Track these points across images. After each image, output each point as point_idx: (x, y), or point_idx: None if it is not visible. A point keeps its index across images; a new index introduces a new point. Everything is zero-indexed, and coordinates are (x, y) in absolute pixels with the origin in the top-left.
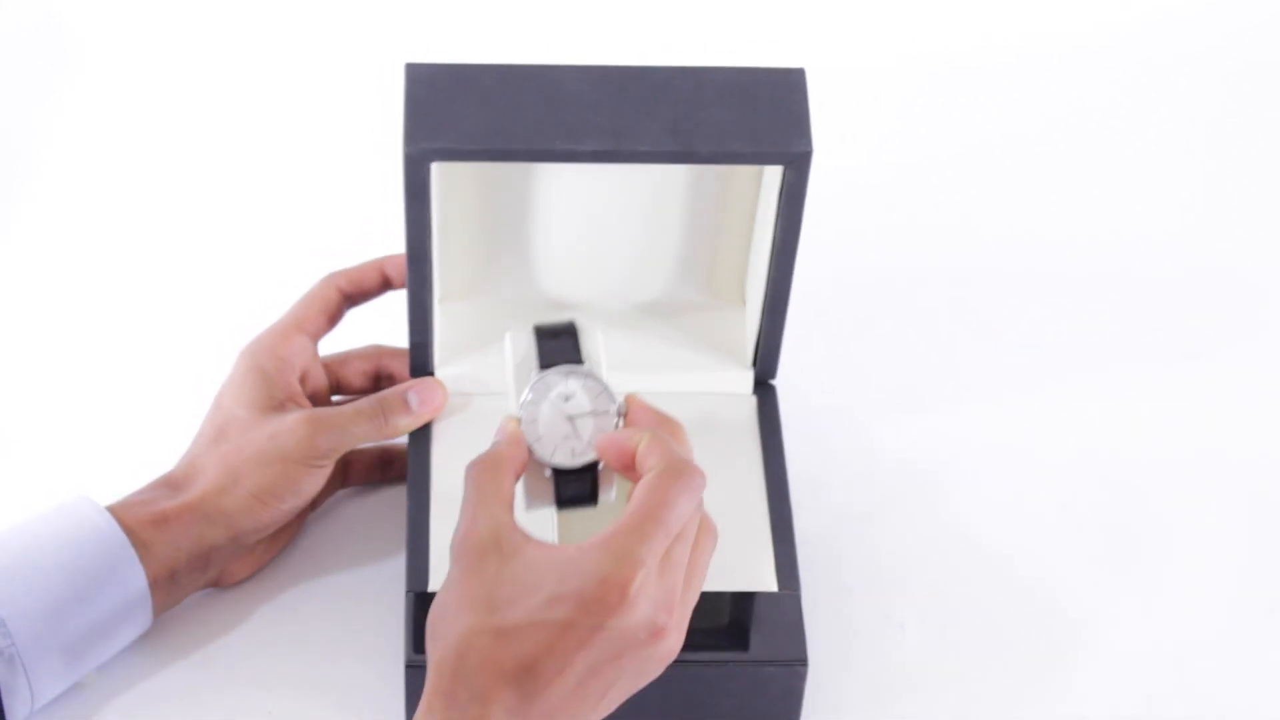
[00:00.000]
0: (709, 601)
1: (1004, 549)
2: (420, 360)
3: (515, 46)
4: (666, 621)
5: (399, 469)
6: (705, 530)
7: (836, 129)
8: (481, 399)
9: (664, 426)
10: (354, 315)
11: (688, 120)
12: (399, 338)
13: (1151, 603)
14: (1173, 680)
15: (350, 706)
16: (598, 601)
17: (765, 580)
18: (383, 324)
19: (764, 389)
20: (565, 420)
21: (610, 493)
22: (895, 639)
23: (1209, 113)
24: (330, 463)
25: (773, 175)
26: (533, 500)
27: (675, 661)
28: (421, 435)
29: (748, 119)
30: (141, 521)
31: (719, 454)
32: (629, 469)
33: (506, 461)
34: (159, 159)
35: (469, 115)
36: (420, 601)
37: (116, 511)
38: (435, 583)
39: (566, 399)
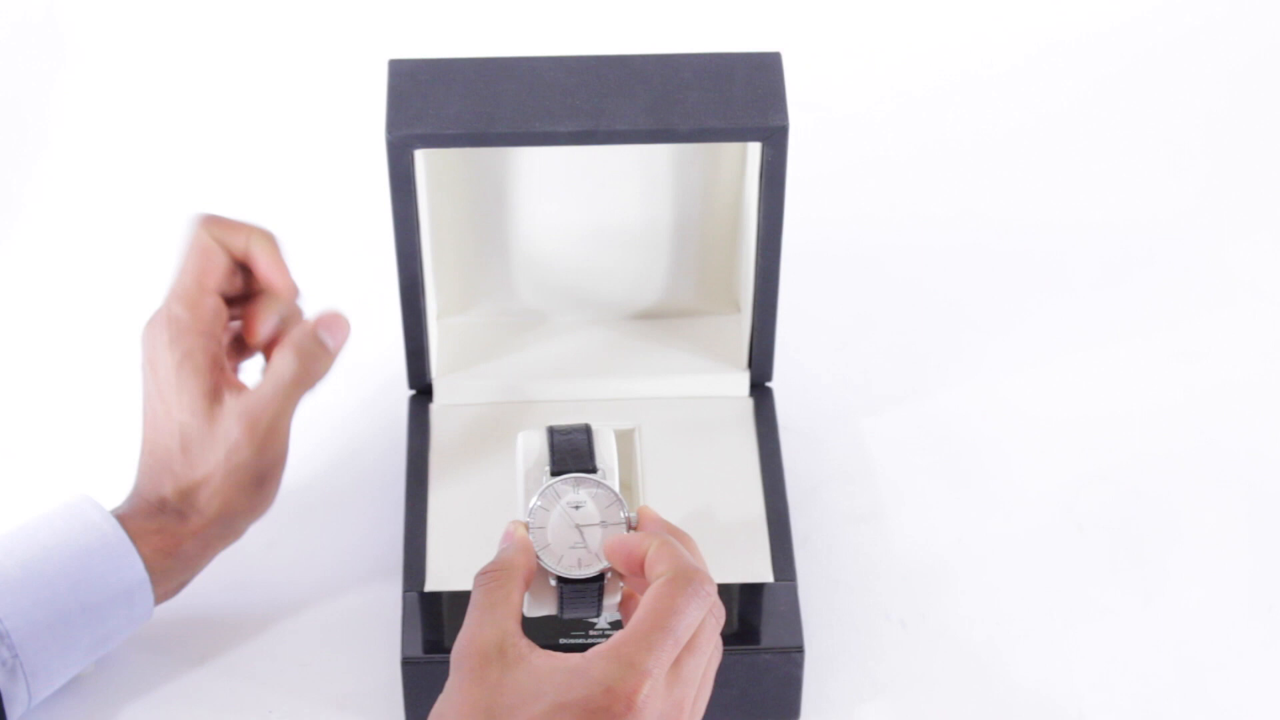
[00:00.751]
0: None
1: (1003, 548)
2: (417, 370)
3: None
4: None
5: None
6: (716, 647)
7: (832, 128)
8: (479, 409)
9: (674, 535)
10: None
11: (665, 101)
12: (394, 346)
13: (1152, 600)
14: (1173, 680)
15: (350, 706)
16: (603, 711)
17: (762, 573)
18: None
19: (760, 391)
20: (574, 529)
21: (615, 601)
22: (894, 635)
23: (1210, 96)
24: (283, 430)
25: (757, 169)
26: (535, 605)
27: None
28: (420, 442)
29: (725, 99)
30: (156, 551)
31: (717, 456)
32: (637, 574)
33: (516, 571)
34: (158, 158)
35: (450, 103)
36: (417, 602)
37: (133, 536)
38: (432, 583)
39: (576, 508)
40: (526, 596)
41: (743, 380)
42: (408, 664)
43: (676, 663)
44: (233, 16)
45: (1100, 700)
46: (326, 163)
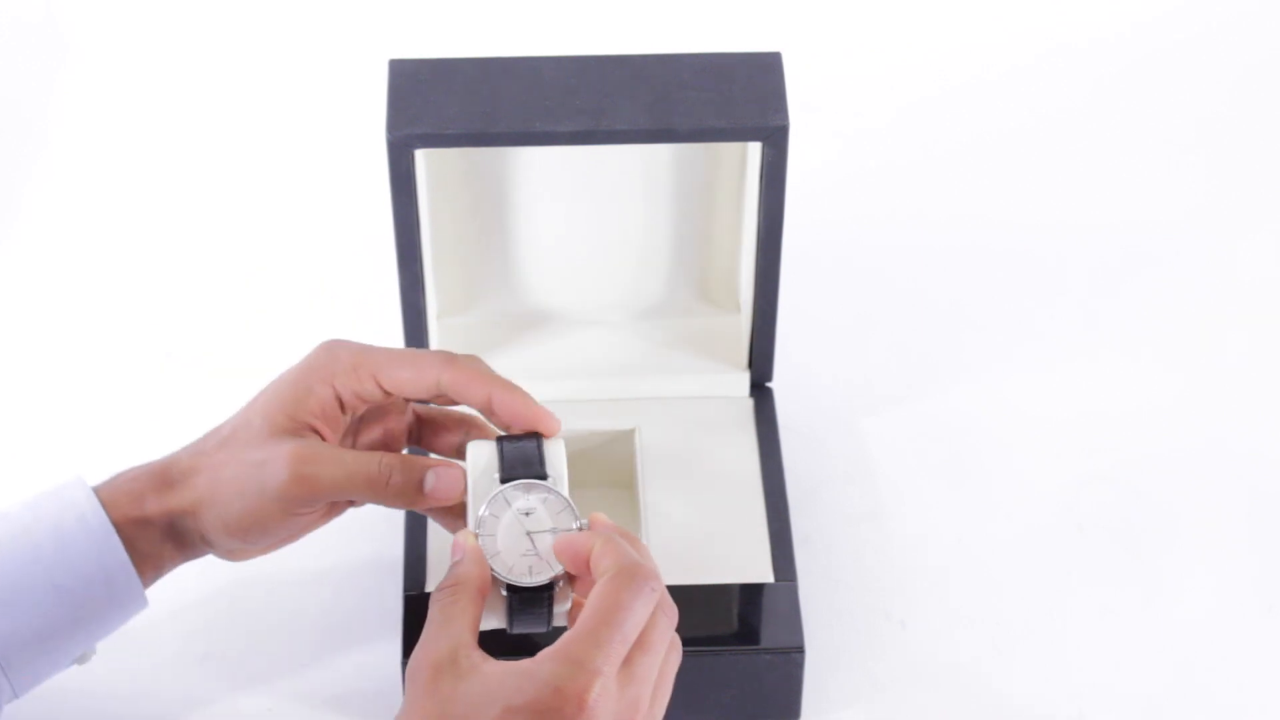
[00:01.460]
0: (708, 594)
1: (1003, 548)
2: None
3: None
4: None
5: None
6: (674, 646)
7: (832, 128)
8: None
9: (623, 537)
10: (344, 320)
11: (666, 101)
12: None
13: (1152, 600)
14: (1173, 680)
15: (350, 706)
16: (554, 712)
17: (762, 573)
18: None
19: (761, 391)
20: (524, 536)
21: (565, 609)
22: (895, 635)
23: (1210, 97)
24: (310, 511)
25: (757, 169)
26: (484, 618)
27: None
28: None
29: (725, 98)
30: (126, 518)
31: (717, 456)
32: (584, 574)
33: (470, 584)
34: (158, 158)
35: (450, 103)
36: (417, 602)
37: (104, 500)
38: (431, 584)
39: (527, 514)
40: None
41: (743, 380)
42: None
43: (629, 661)
44: (233, 16)
45: (1100, 700)
46: (326, 163)
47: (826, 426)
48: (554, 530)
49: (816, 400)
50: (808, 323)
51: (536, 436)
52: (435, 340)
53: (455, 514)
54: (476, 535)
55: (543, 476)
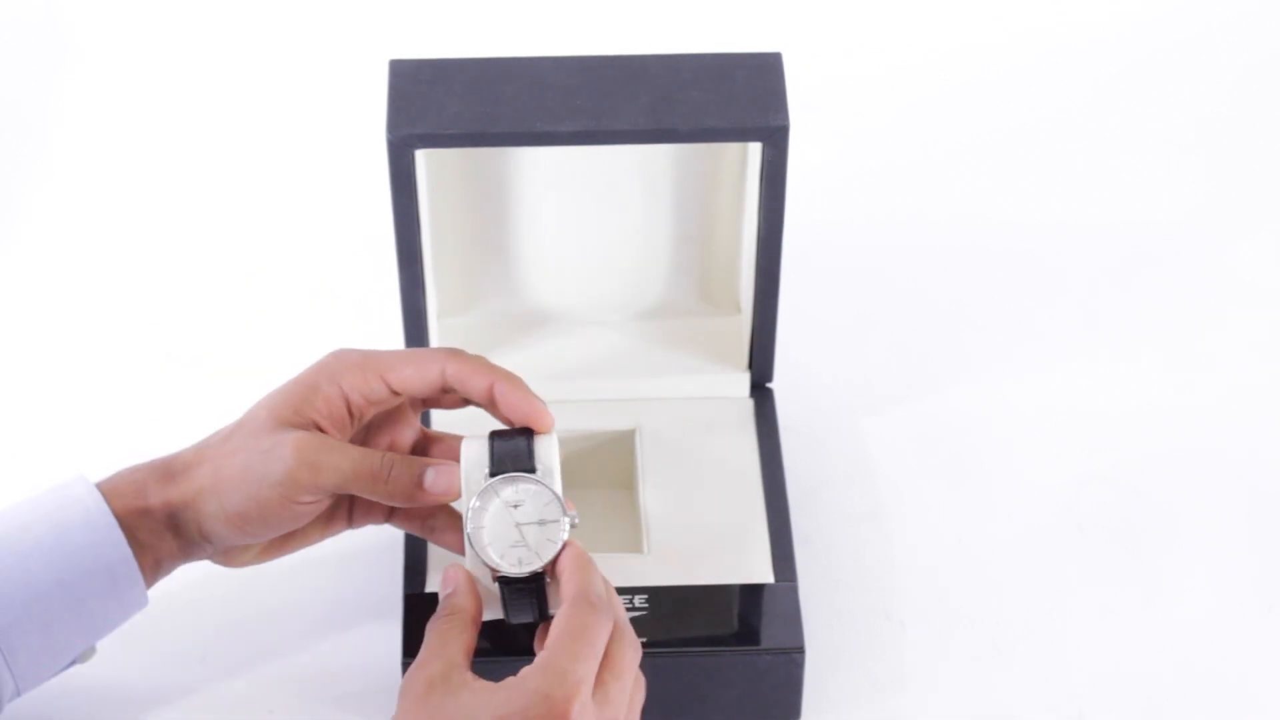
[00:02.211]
0: (708, 595)
1: (1003, 548)
2: None
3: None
4: None
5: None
6: (639, 682)
7: (832, 128)
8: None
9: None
10: (344, 320)
11: (666, 101)
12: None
13: (1152, 600)
14: (1173, 680)
15: (350, 706)
16: (542, 719)
17: (762, 573)
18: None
19: (761, 392)
20: (514, 528)
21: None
22: (895, 635)
23: (1210, 98)
24: (312, 502)
25: (757, 169)
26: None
27: (675, 654)
28: None
29: (725, 98)
30: (128, 509)
31: (717, 456)
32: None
33: (465, 614)
34: (158, 158)
35: (451, 103)
36: (417, 602)
37: (105, 492)
38: (431, 585)
39: (515, 506)
40: None
41: (743, 380)
42: (408, 664)
43: (602, 684)
44: (233, 16)
45: (1100, 700)
46: (326, 163)
47: (826, 426)
48: (541, 522)
49: (816, 400)
50: (808, 323)
51: (528, 432)
52: (435, 341)
53: (449, 529)
54: (470, 539)
55: (531, 470)
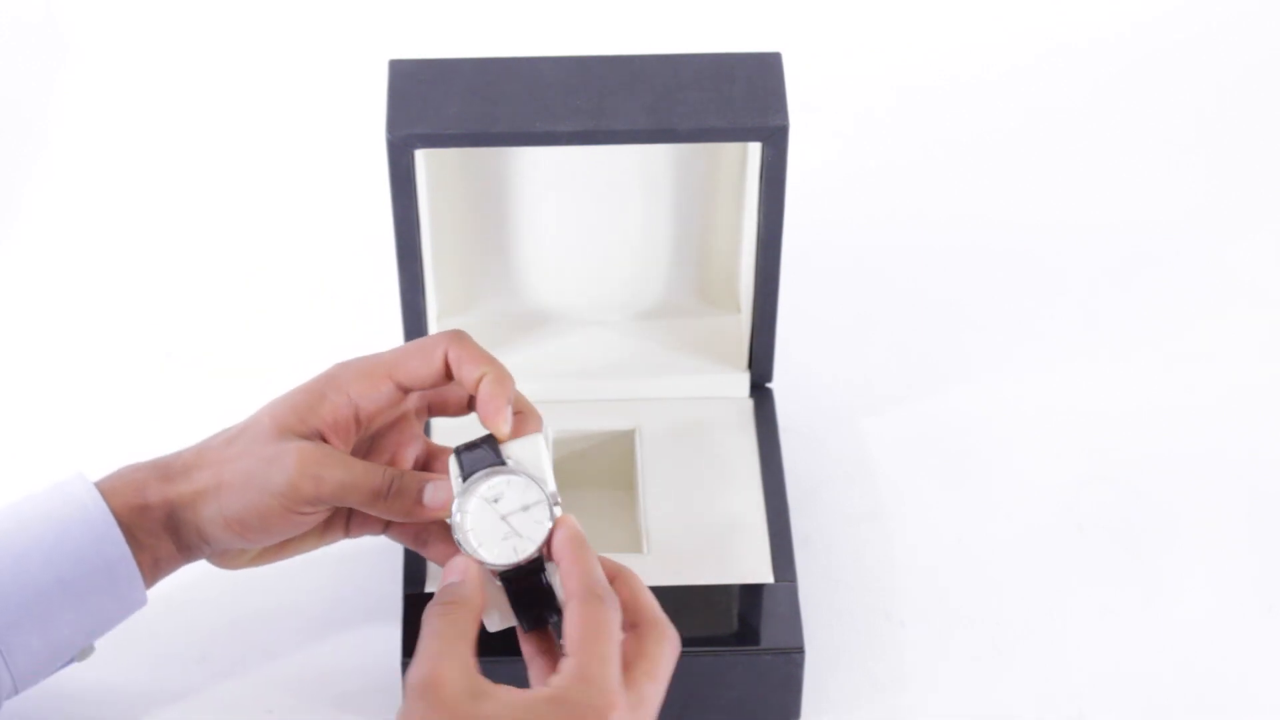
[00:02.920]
0: (708, 595)
1: (1003, 548)
2: None
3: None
4: None
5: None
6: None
7: (832, 128)
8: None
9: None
10: (343, 320)
11: (665, 101)
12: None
13: (1152, 600)
14: (1173, 680)
15: (350, 706)
16: None
17: (762, 573)
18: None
19: (761, 392)
20: (500, 521)
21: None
22: (895, 635)
23: (1210, 97)
24: (311, 513)
25: (757, 169)
26: (489, 617)
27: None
28: None
29: (725, 98)
30: (127, 505)
31: (717, 456)
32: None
33: (472, 605)
34: (158, 158)
35: (450, 103)
36: (417, 602)
37: (104, 490)
38: (431, 584)
39: (495, 501)
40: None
41: (743, 380)
42: (407, 663)
43: (636, 685)
44: (233, 16)
45: (1100, 700)
46: (326, 163)
47: (826, 426)
48: (525, 508)
49: (816, 400)
50: (808, 323)
51: (491, 440)
52: None
53: (441, 540)
54: (471, 558)
55: (499, 463)
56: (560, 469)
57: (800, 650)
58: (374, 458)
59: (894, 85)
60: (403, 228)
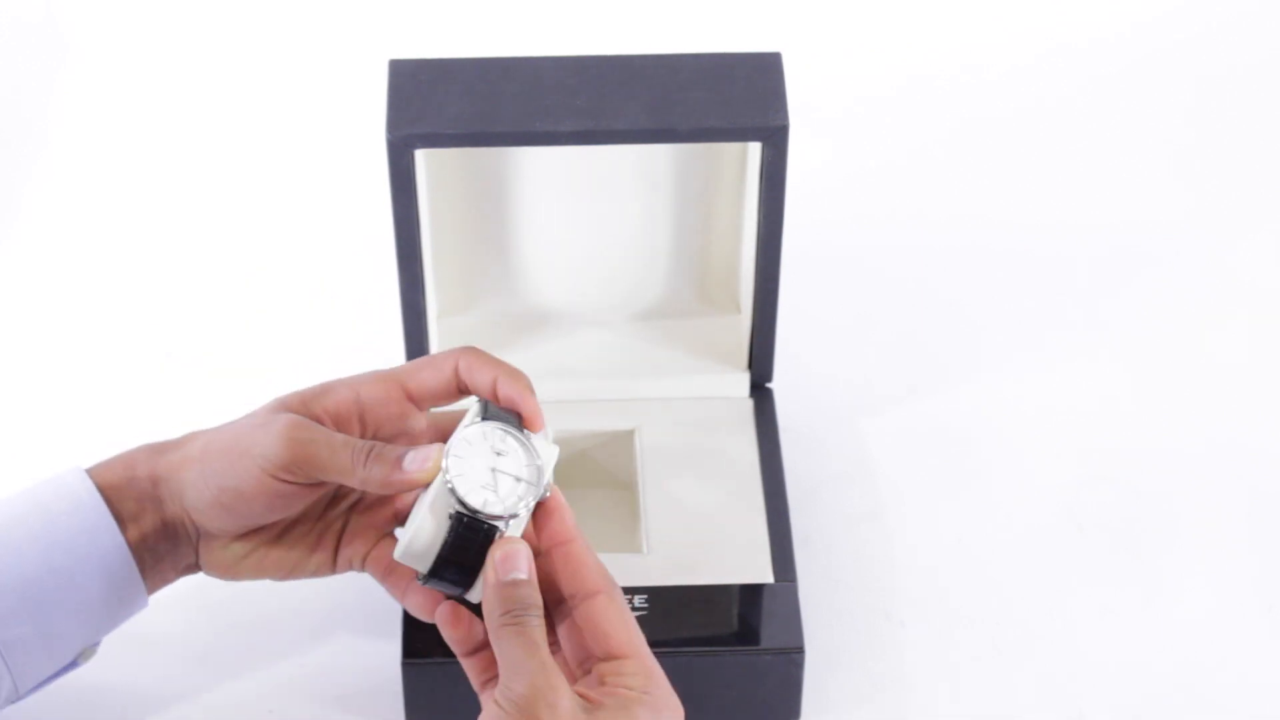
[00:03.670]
0: (708, 595)
1: (1003, 548)
2: None
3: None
4: None
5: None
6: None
7: (832, 128)
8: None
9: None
10: (344, 320)
11: (665, 101)
12: (394, 346)
13: (1152, 600)
14: (1173, 679)
15: (350, 706)
16: None
17: (762, 573)
18: (379, 332)
19: (761, 392)
20: (490, 471)
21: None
22: (895, 635)
23: (1210, 97)
24: (290, 483)
25: (757, 169)
26: (419, 531)
27: (675, 654)
28: None
29: (725, 98)
30: (115, 480)
31: (717, 456)
32: (558, 542)
33: (537, 607)
34: (159, 158)
35: (451, 103)
36: None
37: (95, 471)
38: None
39: (499, 454)
40: (403, 529)
41: (743, 381)
42: (408, 664)
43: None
44: (233, 16)
45: (1100, 700)
46: (326, 163)
47: (826, 426)
48: (517, 479)
49: (816, 400)
50: (808, 323)
51: (519, 417)
52: (435, 340)
53: (418, 590)
54: (445, 453)
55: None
56: (560, 469)
57: (800, 650)
58: None
59: (894, 86)
60: (403, 228)
